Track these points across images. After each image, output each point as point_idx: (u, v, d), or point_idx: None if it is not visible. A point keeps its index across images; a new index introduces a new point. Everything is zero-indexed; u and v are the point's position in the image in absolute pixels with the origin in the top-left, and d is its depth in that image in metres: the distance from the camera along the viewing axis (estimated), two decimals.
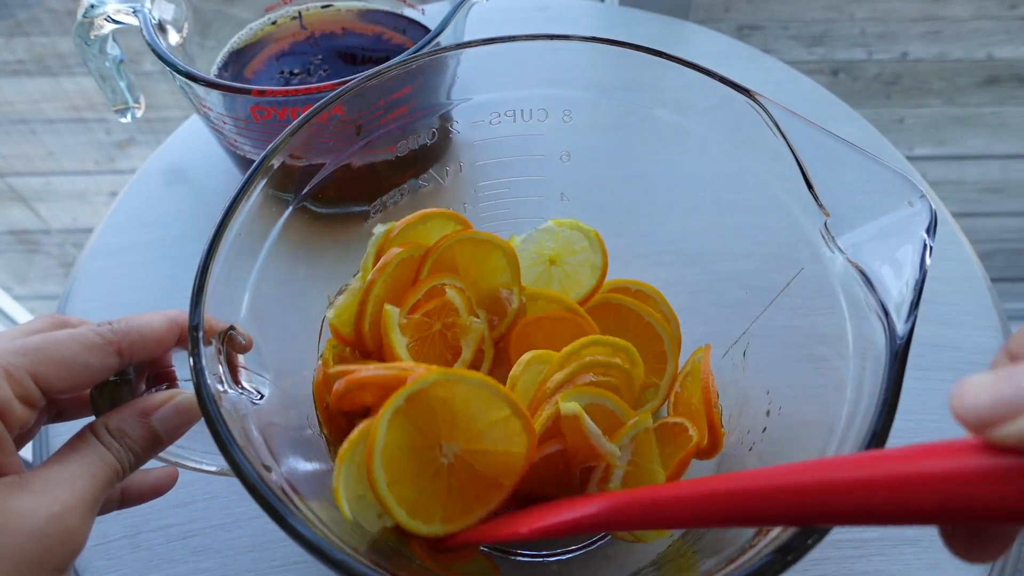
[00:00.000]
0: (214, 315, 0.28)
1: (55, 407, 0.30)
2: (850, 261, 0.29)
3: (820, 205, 0.30)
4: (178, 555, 0.40)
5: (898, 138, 1.29)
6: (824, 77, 1.33)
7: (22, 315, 1.13)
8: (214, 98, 0.46)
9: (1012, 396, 0.15)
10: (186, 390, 0.30)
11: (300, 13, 0.58)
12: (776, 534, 0.25)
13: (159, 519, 0.42)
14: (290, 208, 0.34)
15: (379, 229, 0.39)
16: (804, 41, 1.35)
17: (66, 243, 1.27)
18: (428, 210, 0.40)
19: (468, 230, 0.40)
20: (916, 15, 1.34)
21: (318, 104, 0.34)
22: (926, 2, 1.34)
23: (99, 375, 0.28)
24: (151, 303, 0.52)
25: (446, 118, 0.39)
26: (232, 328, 0.29)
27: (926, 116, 1.32)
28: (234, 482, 0.25)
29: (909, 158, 0.61)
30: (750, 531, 0.27)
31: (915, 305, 0.26)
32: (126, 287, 0.53)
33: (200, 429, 0.29)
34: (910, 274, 0.26)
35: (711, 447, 0.36)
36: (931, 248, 0.27)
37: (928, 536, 0.40)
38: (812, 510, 0.19)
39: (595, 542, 0.38)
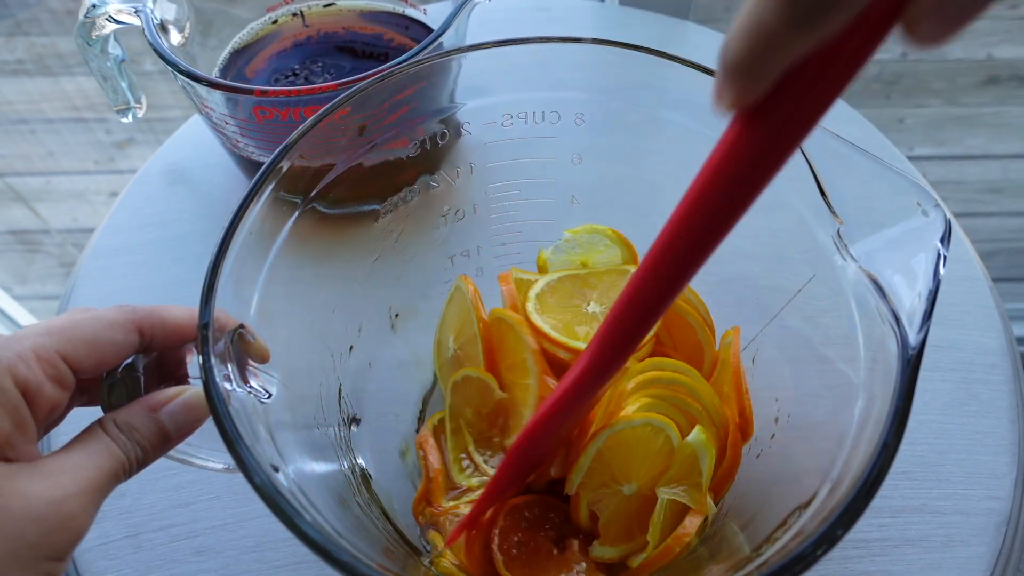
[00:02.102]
0: (221, 314, 0.28)
1: (84, 392, 0.30)
2: (863, 269, 0.29)
3: (833, 212, 0.30)
4: (180, 555, 0.40)
5: (898, 138, 1.28)
6: None
7: (22, 315, 1.13)
8: (216, 98, 0.46)
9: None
10: (195, 386, 0.30)
11: (302, 13, 0.58)
12: (784, 543, 0.25)
13: (161, 519, 0.42)
14: (299, 210, 0.34)
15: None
16: None
17: (66, 243, 1.27)
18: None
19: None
20: None
21: (329, 105, 0.34)
22: None
23: (124, 351, 0.29)
24: (152, 303, 0.52)
25: (454, 119, 0.39)
26: (242, 327, 0.29)
27: (926, 116, 1.32)
28: (236, 482, 0.25)
29: (909, 158, 0.61)
30: (759, 538, 0.27)
31: (928, 315, 0.25)
32: (127, 287, 0.53)
33: (207, 427, 0.30)
34: (923, 284, 0.26)
35: (743, 432, 0.36)
36: (945, 258, 0.27)
37: (930, 536, 0.40)
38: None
39: None
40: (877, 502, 0.41)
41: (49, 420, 0.27)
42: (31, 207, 1.28)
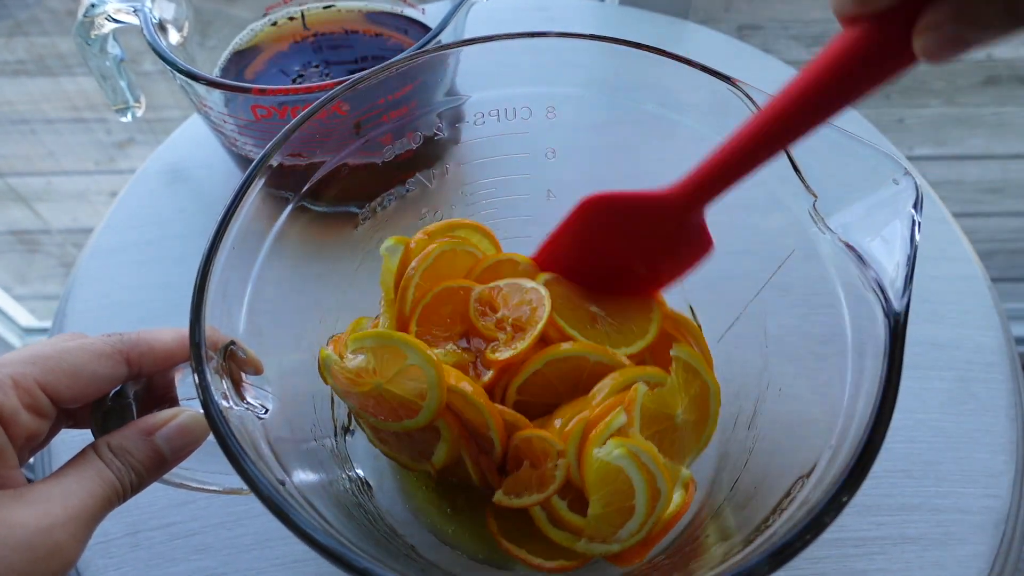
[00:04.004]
0: (212, 332, 0.28)
1: (71, 418, 0.30)
2: (841, 240, 0.30)
3: (807, 187, 0.31)
4: (179, 553, 0.40)
5: (898, 138, 1.29)
6: None
7: (22, 315, 1.13)
8: (215, 97, 0.47)
9: None
10: (190, 408, 0.30)
11: (302, 13, 0.58)
12: (791, 513, 0.25)
13: (160, 517, 0.42)
14: (290, 206, 0.34)
15: (389, 244, 0.38)
16: (804, 41, 1.35)
17: (66, 243, 1.27)
18: (455, 220, 0.40)
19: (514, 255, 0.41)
20: None
21: (318, 102, 0.34)
22: None
23: (108, 384, 0.28)
24: (151, 303, 0.52)
25: (440, 118, 0.39)
26: (233, 343, 0.29)
27: (926, 116, 1.32)
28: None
29: (909, 158, 0.61)
30: (764, 511, 0.28)
31: (909, 280, 0.26)
32: (126, 287, 0.53)
33: (203, 449, 0.29)
34: (901, 250, 0.27)
35: None
36: (919, 223, 0.27)
37: (928, 535, 0.40)
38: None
39: None
40: (876, 500, 0.41)
41: (29, 446, 0.27)
42: (31, 207, 1.28)
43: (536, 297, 0.37)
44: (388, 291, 0.39)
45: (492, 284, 0.39)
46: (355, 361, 0.34)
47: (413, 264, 0.38)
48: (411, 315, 0.38)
